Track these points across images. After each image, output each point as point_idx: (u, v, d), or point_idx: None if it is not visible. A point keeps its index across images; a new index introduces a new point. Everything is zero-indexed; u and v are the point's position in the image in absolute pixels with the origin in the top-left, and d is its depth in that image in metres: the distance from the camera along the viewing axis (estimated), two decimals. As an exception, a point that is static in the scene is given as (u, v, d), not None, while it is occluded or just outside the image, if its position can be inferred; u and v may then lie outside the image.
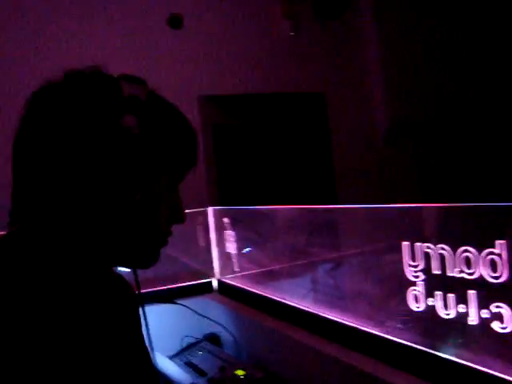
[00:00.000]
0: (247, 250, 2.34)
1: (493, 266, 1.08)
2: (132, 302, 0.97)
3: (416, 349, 1.30)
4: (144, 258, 0.85)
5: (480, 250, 1.10)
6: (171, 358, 2.09)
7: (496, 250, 1.07)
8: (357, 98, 3.60)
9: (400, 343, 1.35)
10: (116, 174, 0.74)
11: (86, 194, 0.75)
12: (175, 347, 2.18)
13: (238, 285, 2.30)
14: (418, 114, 3.45)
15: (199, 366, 1.94)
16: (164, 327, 2.25)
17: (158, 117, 0.79)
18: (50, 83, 0.78)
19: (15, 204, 0.79)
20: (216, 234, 2.51)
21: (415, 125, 3.46)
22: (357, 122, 3.57)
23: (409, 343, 1.33)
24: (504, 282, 1.06)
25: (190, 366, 1.97)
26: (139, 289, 0.97)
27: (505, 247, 1.05)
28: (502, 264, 1.06)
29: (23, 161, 0.78)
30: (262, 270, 2.28)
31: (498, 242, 1.07)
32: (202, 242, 2.58)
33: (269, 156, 3.53)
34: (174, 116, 0.84)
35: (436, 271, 1.21)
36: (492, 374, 1.11)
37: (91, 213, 0.76)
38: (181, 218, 0.86)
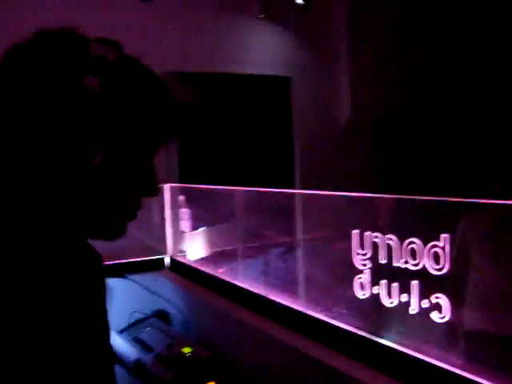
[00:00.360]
0: (202, 230, 2.35)
1: (436, 258, 1.12)
2: (99, 273, 0.92)
3: (359, 335, 1.34)
4: (109, 230, 0.80)
5: (425, 243, 1.14)
6: (119, 332, 2.09)
7: (440, 243, 1.11)
8: (322, 85, 3.62)
9: (344, 329, 1.39)
10: (73, 135, 0.71)
11: (46, 155, 0.72)
12: (123, 323, 2.18)
13: (190, 263, 2.31)
14: (380, 107, 3.50)
15: (146, 341, 1.95)
16: (113, 302, 2.25)
17: (125, 80, 0.75)
18: (21, 43, 0.76)
19: None
20: (171, 212, 2.51)
21: (377, 117, 3.51)
22: (320, 109, 3.59)
23: (352, 329, 1.37)
24: (445, 274, 1.10)
25: (137, 341, 1.98)
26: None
27: (448, 241, 1.09)
28: (445, 257, 1.10)
29: None
30: (215, 250, 2.30)
31: (442, 235, 1.10)
32: (156, 219, 2.57)
33: (230, 137, 3.53)
34: (147, 82, 0.79)
35: (383, 260, 1.24)
36: (428, 362, 1.15)
37: (51, 176, 0.74)
38: (152, 192, 0.80)
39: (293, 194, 1.80)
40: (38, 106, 0.71)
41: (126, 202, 0.78)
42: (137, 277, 2.31)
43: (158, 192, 0.81)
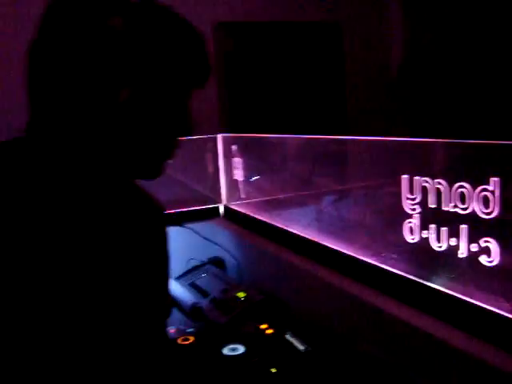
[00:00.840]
0: (255, 178, 2.37)
1: (485, 202, 1.10)
2: (159, 221, 0.98)
3: (408, 278, 1.35)
4: (147, 170, 0.84)
5: (475, 187, 1.12)
6: (176, 279, 2.17)
7: (490, 187, 1.09)
8: (373, 31, 3.52)
9: (393, 273, 1.40)
10: (100, 72, 0.74)
11: (79, 97, 0.76)
12: (181, 269, 2.26)
13: (244, 211, 2.35)
14: (432, 53, 3.37)
15: (202, 287, 2.02)
16: (172, 250, 2.33)
17: (148, 21, 0.77)
18: None
19: (30, 111, 0.82)
20: (224, 161, 2.54)
21: (430, 63, 3.39)
22: (372, 54, 3.50)
23: (402, 273, 1.37)
24: (494, 218, 1.08)
25: (193, 286, 2.05)
26: None
27: (498, 184, 1.07)
28: (494, 201, 1.08)
29: (31, 69, 0.80)
30: (268, 198, 2.32)
31: (492, 179, 1.08)
32: (210, 169, 2.61)
33: (281, 86, 3.50)
34: (173, 23, 0.80)
35: (432, 205, 1.23)
36: (476, 305, 1.15)
37: (86, 118, 0.77)
38: (185, 129, 0.83)
39: (344, 140, 1.78)
40: (69, 46, 0.75)
41: (159, 141, 0.80)
42: (193, 225, 2.38)
43: (192, 132, 0.82)
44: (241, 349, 1.48)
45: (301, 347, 1.49)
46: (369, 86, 3.41)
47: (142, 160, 0.82)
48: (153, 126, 0.79)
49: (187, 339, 1.54)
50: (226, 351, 1.47)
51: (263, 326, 1.61)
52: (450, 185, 1.18)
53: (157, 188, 2.59)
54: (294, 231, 1.91)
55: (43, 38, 0.79)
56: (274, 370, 1.38)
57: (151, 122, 0.78)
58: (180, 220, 2.40)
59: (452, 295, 1.22)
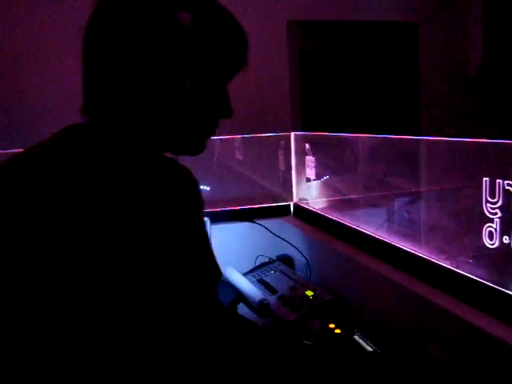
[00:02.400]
0: (327, 177, 2.36)
1: None
2: (195, 192, 1.11)
3: (485, 285, 1.30)
4: (191, 145, 0.93)
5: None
6: (245, 274, 2.18)
7: None
8: (451, 31, 3.41)
9: (470, 278, 1.35)
10: (168, 63, 0.82)
11: (143, 82, 0.83)
12: (249, 265, 2.27)
13: (314, 210, 2.34)
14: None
15: (271, 283, 2.02)
16: (241, 246, 2.36)
17: (210, 16, 0.85)
18: None
19: (85, 95, 0.89)
20: (296, 159, 2.54)
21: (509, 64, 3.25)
22: (449, 56, 3.39)
23: (478, 279, 1.33)
24: None
25: (262, 283, 2.06)
26: None
27: None
28: None
29: (89, 53, 0.87)
30: (340, 197, 2.30)
31: None
32: (282, 167, 2.62)
33: (355, 85, 3.46)
34: (225, 14, 0.88)
35: (514, 209, 1.19)
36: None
37: (147, 99, 0.85)
38: (228, 112, 0.92)
39: (418, 140, 1.74)
40: (141, 40, 0.81)
41: (206, 119, 0.90)
42: (264, 222, 2.39)
43: (232, 114, 0.92)
44: (309, 347, 1.47)
45: (369, 348, 1.47)
46: (446, 86, 3.31)
47: (188, 137, 0.91)
48: (202, 109, 0.88)
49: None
50: (294, 348, 1.47)
51: (331, 326, 1.60)
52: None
53: (230, 184, 2.63)
54: (365, 231, 1.88)
55: (105, 25, 0.84)
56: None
57: (202, 106, 0.88)
58: (251, 216, 2.42)
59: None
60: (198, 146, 0.93)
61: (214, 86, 0.88)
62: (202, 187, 2.48)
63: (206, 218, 2.22)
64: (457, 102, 3.26)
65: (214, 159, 2.51)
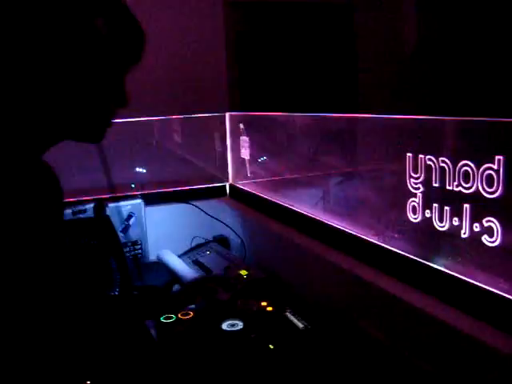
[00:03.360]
0: (262, 159, 2.36)
1: (489, 181, 1.08)
2: (56, 193, 1.07)
3: (409, 258, 1.33)
4: (89, 132, 0.98)
5: (479, 166, 1.10)
6: (180, 256, 2.17)
7: (494, 166, 1.07)
8: (386, 9, 3.46)
9: (395, 252, 1.38)
10: (63, 48, 0.87)
11: (37, 64, 0.86)
12: (185, 246, 2.26)
13: (250, 190, 2.34)
14: (447, 33, 3.31)
15: (206, 264, 2.02)
16: (177, 227, 2.34)
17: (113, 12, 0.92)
18: None
19: None
20: (232, 140, 2.53)
21: (442, 44, 3.33)
22: (384, 36, 3.45)
23: (403, 253, 1.36)
24: (498, 197, 1.06)
25: (197, 264, 2.05)
26: None
27: (503, 163, 1.05)
28: (499, 180, 1.06)
29: None
30: (275, 178, 2.31)
31: (497, 157, 1.06)
32: (218, 147, 2.61)
33: (292, 65, 3.47)
34: (126, 15, 0.95)
35: (435, 184, 1.22)
36: (476, 285, 1.14)
37: (40, 82, 0.88)
38: (123, 102, 0.98)
39: (349, 117, 1.75)
40: (30, 20, 0.84)
41: (97, 107, 0.95)
42: (199, 203, 2.38)
43: (127, 103, 0.98)
44: (240, 324, 1.48)
45: (300, 325, 1.48)
46: (381, 65, 3.36)
47: (86, 125, 0.96)
48: (97, 97, 0.93)
49: (187, 314, 1.54)
50: (224, 326, 1.47)
51: (263, 304, 1.61)
52: (454, 164, 1.16)
53: (164, 165, 2.59)
54: (299, 210, 1.90)
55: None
56: (271, 347, 1.37)
57: (96, 94, 0.93)
58: (187, 198, 2.40)
59: (452, 275, 1.20)
60: (96, 134, 0.99)
61: (109, 76, 0.93)
62: (138, 169, 2.46)
63: (140, 200, 2.20)
64: (394, 80, 3.32)
65: (150, 140, 2.48)
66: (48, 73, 0.87)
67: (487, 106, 2.82)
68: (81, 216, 1.97)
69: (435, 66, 3.36)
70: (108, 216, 1.94)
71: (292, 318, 1.53)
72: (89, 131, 0.97)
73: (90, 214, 2.00)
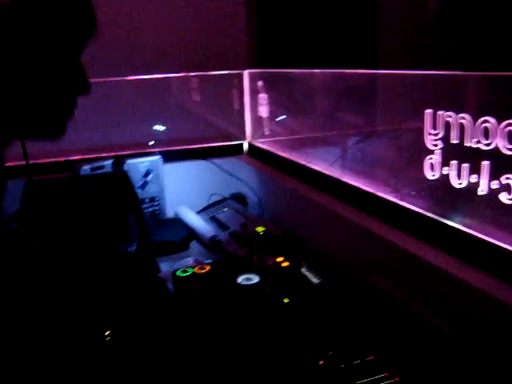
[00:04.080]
0: (281, 117, 2.34)
1: (510, 137, 1.06)
2: None
3: (426, 216, 1.33)
4: (50, 126, 0.87)
5: (500, 121, 1.08)
6: (198, 212, 2.19)
7: (515, 122, 1.05)
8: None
9: (411, 210, 1.38)
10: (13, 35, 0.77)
11: None
12: (203, 203, 2.27)
13: (268, 148, 2.33)
14: None
15: (223, 221, 2.03)
16: (195, 185, 2.35)
17: None
18: None
19: None
20: (250, 98, 2.51)
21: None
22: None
23: (420, 210, 1.35)
24: (517, 153, 1.05)
25: (214, 220, 2.07)
26: (27, 160, 1.01)
27: (523, 118, 1.03)
28: (519, 136, 1.04)
29: None
30: (293, 136, 2.30)
31: (519, 113, 1.04)
32: (236, 105, 2.59)
33: (314, 21, 3.41)
34: None
35: (454, 140, 1.20)
36: (492, 243, 1.13)
37: None
38: (85, 87, 0.87)
39: (370, 74, 1.72)
40: None
41: (62, 98, 0.84)
42: (217, 161, 2.38)
43: (89, 89, 0.87)
44: (255, 279, 1.50)
45: (315, 280, 1.50)
46: (404, 24, 3.29)
47: (45, 117, 0.85)
48: (56, 84, 0.83)
49: (203, 268, 1.56)
50: (240, 280, 1.49)
51: (279, 259, 1.62)
52: (475, 120, 1.14)
53: (182, 123, 2.59)
54: (316, 168, 1.89)
55: None
56: (286, 301, 1.39)
57: (55, 80, 0.83)
58: (204, 155, 2.41)
59: (468, 233, 1.20)
60: (57, 127, 0.88)
61: (63, 59, 0.83)
62: (156, 127, 2.47)
63: (158, 157, 2.21)
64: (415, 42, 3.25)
65: (168, 98, 2.47)
66: None
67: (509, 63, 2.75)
68: (99, 172, 2.00)
69: (458, 25, 3.28)
70: (126, 171, 1.95)
71: (307, 273, 1.54)
72: (48, 125, 0.86)
73: (108, 170, 2.02)
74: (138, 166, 2.15)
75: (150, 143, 2.36)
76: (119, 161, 2.06)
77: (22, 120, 0.84)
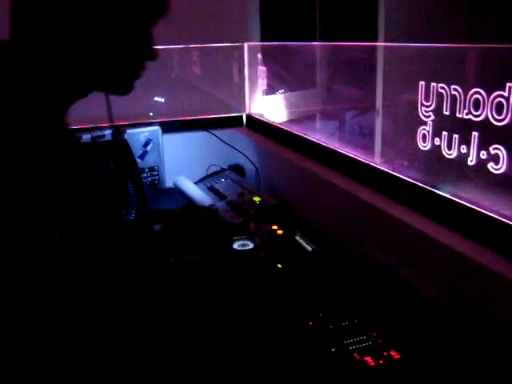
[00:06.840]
0: (281, 91, 2.36)
1: (499, 108, 1.09)
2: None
3: (417, 185, 1.36)
4: (117, 85, 0.99)
5: (490, 93, 1.11)
6: (196, 182, 2.22)
7: (505, 93, 1.07)
8: None
9: (404, 180, 1.41)
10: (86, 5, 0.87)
11: (64, 19, 0.88)
12: (201, 174, 2.31)
13: (267, 120, 2.35)
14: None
15: (221, 190, 2.07)
16: (194, 155, 2.38)
17: None
18: None
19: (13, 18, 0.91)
20: (250, 71, 2.52)
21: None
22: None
23: (412, 180, 1.39)
24: (506, 124, 1.07)
25: (212, 190, 2.10)
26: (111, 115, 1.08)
27: (514, 90, 1.05)
28: (509, 107, 1.07)
29: None
30: (292, 108, 2.32)
31: (508, 84, 1.06)
32: (236, 78, 2.60)
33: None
34: None
35: (446, 112, 1.23)
36: (481, 211, 1.17)
37: (70, 36, 0.89)
38: (151, 55, 0.97)
39: (368, 46, 1.74)
40: None
41: (126, 61, 0.95)
42: (216, 132, 2.40)
43: (156, 56, 0.98)
44: (250, 245, 1.54)
45: (308, 248, 1.54)
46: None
47: (114, 77, 0.97)
48: (120, 47, 0.93)
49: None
50: (235, 246, 1.53)
51: (274, 227, 1.66)
52: (466, 92, 1.17)
53: (182, 94, 2.60)
54: (312, 139, 1.92)
55: None
56: (280, 266, 1.43)
57: (124, 47, 0.93)
58: (203, 126, 2.43)
59: (458, 202, 1.23)
60: (124, 87, 0.99)
61: (135, 29, 0.93)
62: (156, 98, 2.48)
63: (158, 127, 2.23)
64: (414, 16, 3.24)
65: (168, 69, 2.48)
66: (76, 26, 0.88)
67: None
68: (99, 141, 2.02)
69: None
70: (125, 139, 1.97)
71: (301, 241, 1.58)
72: (117, 84, 0.98)
73: (108, 138, 2.05)
74: (137, 135, 2.18)
75: (150, 114, 2.38)
76: (119, 130, 2.08)
77: (99, 76, 0.96)
